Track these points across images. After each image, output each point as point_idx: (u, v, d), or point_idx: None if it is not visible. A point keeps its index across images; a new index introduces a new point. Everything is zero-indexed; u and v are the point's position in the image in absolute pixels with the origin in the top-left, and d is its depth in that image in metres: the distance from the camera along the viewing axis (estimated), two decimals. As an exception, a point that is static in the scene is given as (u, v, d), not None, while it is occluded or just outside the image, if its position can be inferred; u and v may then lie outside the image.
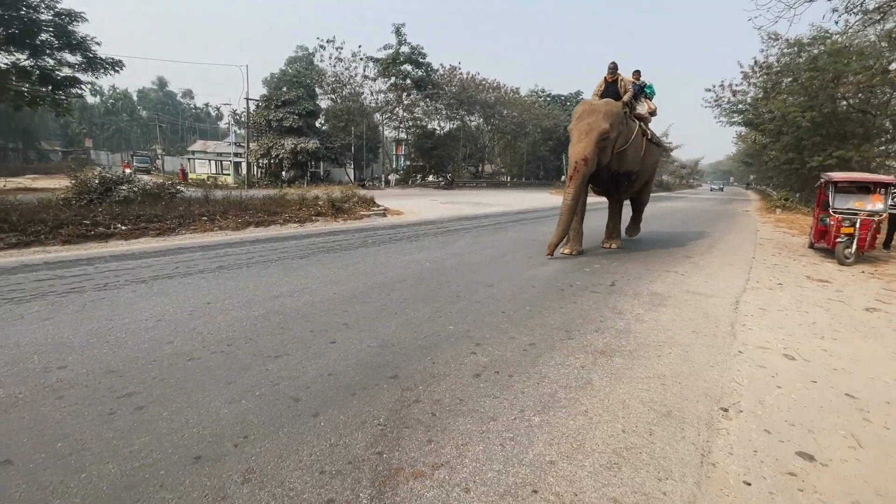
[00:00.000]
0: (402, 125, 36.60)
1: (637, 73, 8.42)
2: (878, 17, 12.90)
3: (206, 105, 72.58)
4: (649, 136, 8.52)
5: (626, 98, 7.68)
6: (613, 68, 7.89)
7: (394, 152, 45.59)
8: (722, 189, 28.83)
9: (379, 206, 13.59)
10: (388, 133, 40.59)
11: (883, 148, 21.70)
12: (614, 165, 7.51)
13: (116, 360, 2.88)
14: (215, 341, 3.23)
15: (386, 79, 33.41)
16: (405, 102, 34.41)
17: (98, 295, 4.29)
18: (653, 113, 8.72)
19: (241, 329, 3.48)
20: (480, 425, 2.27)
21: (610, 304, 4.58)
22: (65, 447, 2.00)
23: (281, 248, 7.09)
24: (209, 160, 40.96)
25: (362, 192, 17.09)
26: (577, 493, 1.82)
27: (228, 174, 37.18)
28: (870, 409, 2.63)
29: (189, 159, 42.15)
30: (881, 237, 9.14)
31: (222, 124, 67.07)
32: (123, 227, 7.76)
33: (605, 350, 3.33)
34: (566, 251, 7.34)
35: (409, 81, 33.07)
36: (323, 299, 4.33)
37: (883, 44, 16.23)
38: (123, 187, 9.74)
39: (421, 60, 33.51)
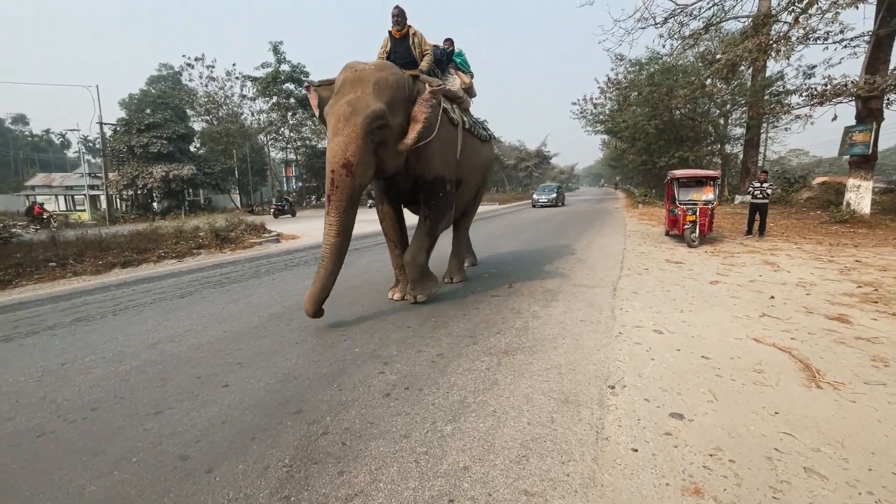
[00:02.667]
0: (289, 146, 35.01)
1: (449, 41, 5.77)
2: (693, 43, 15.72)
3: (47, 132, 62.08)
4: (467, 126, 5.51)
5: (424, 65, 4.97)
6: (399, 16, 5.04)
7: (283, 174, 43.36)
8: (555, 198, 21.59)
9: (271, 231, 12.78)
10: (276, 154, 38.53)
11: (710, 148, 26.33)
12: (415, 169, 4.67)
13: (-70, 455, 2.28)
14: (74, 408, 2.74)
15: (267, 98, 31.78)
16: (291, 122, 33.03)
17: None
18: (470, 91, 5.93)
19: (108, 388, 2.99)
20: (393, 445, 2.23)
21: (509, 304, 4.85)
22: None
23: (156, 289, 6.28)
24: (56, 195, 34.89)
25: (251, 218, 15.97)
26: (490, 493, 1.88)
27: (83, 209, 32.04)
28: (720, 367, 3.13)
29: (28, 196, 35.45)
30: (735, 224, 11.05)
31: (70, 153, 57.99)
32: (-66, 286, 6.23)
33: (508, 349, 3.51)
34: (396, 296, 5.18)
35: (292, 100, 31.84)
36: (211, 340, 3.92)
37: (699, 63, 19.77)
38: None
39: (304, 79, 32.55)
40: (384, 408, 2.61)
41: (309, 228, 15.34)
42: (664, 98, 19.26)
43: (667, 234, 10.88)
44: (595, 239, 10.70)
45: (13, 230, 9.55)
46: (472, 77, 6.00)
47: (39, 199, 34.70)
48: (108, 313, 5.01)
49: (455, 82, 5.56)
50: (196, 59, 30.75)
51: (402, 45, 5.12)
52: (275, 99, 31.67)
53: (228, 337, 3.99)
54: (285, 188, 40.50)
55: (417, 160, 4.62)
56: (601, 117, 26.86)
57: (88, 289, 6.56)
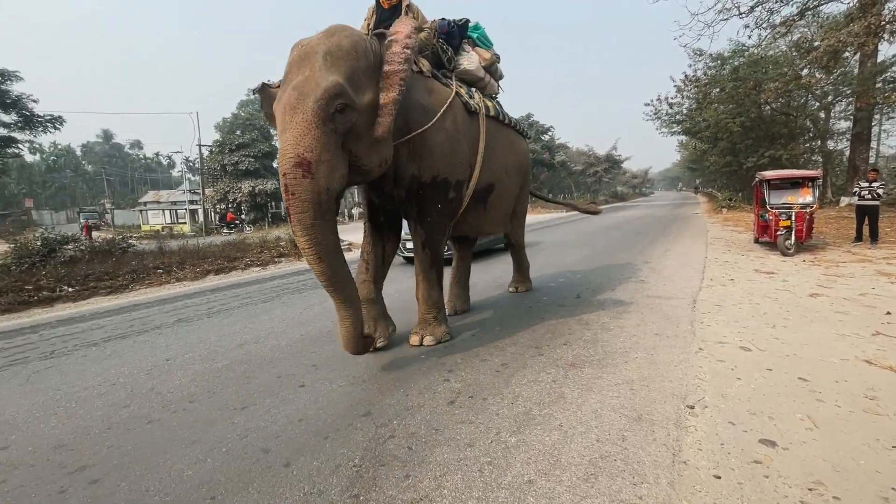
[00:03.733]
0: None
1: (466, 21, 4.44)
2: (785, 31, 14.31)
3: (157, 154, 70.72)
4: (494, 113, 4.40)
5: (403, 28, 3.26)
6: None
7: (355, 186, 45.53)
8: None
9: (343, 240, 13.49)
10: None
11: (808, 145, 23.66)
12: (408, 168, 3.58)
13: (66, 433, 2.68)
14: (176, 399, 3.08)
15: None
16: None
17: (44, 364, 4.01)
18: (494, 71, 4.68)
19: (203, 384, 3.33)
20: (457, 453, 2.25)
21: (577, 315, 4.69)
22: (9, 536, 1.83)
23: (244, 294, 6.89)
24: (163, 210, 39.61)
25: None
26: (556, 509, 1.83)
27: (185, 223, 36.01)
28: (821, 390, 2.78)
29: (142, 211, 40.62)
30: (839, 230, 9.85)
31: (175, 173, 65.47)
32: (70, 289, 7.33)
33: (575, 362, 3.39)
34: (378, 344, 3.83)
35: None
36: (290, 342, 4.22)
37: (793, 52, 17.93)
38: (69, 246, 9.25)
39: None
40: (449, 415, 2.64)
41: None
42: (751, 93, 17.66)
43: (756, 241, 9.91)
44: (672, 246, 10.03)
45: (130, 241, 10.98)
46: (496, 56, 4.68)
47: (150, 213, 39.55)
48: (203, 315, 5.57)
49: (472, 59, 4.35)
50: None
51: (391, 18, 3.83)
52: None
53: (305, 340, 4.26)
54: (356, 199, 42.54)
55: (412, 155, 3.53)
56: (678, 117, 25.22)
57: (188, 293, 7.35)
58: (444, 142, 3.72)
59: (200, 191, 30.17)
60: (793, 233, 8.03)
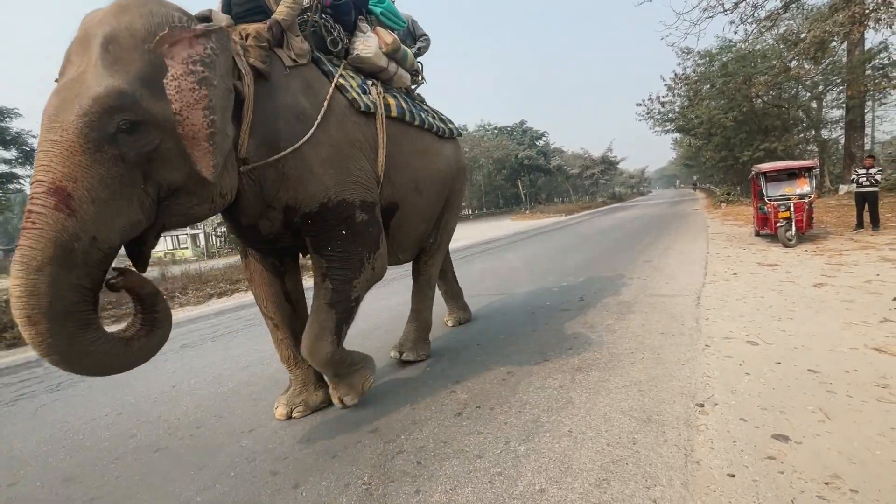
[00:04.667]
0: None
1: None
2: (770, 24, 14.47)
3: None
4: (398, 113, 3.22)
5: (282, 10, 2.59)
6: None
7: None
8: None
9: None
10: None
11: (802, 136, 23.75)
12: (279, 196, 2.49)
13: (74, 466, 2.67)
14: (183, 426, 3.06)
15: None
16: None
17: (51, 397, 4.00)
18: (401, 58, 3.42)
19: (210, 408, 3.32)
20: (467, 465, 2.22)
21: (581, 318, 4.67)
22: (19, 575, 1.81)
23: (246, 317, 6.88)
24: (164, 236, 39.81)
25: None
26: (570, 517, 1.80)
27: (186, 248, 36.16)
28: (832, 381, 2.76)
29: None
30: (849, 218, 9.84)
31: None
32: (75, 320, 7.33)
33: (581, 366, 3.37)
34: (280, 412, 3.01)
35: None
36: (295, 362, 4.20)
37: (780, 45, 18.09)
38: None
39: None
40: (457, 427, 2.62)
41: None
42: (741, 87, 17.79)
43: (757, 234, 9.90)
44: (673, 244, 10.01)
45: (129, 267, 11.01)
46: (412, 38, 3.85)
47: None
48: (207, 340, 5.57)
49: (369, 44, 3.14)
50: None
51: None
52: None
53: (310, 359, 4.24)
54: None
55: (282, 179, 2.46)
56: (670, 115, 25.40)
57: (192, 318, 7.36)
58: (329, 159, 2.58)
59: (201, 215, 30.38)
60: (793, 223, 8.02)
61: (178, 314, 7.91)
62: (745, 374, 2.98)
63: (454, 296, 5.04)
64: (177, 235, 39.40)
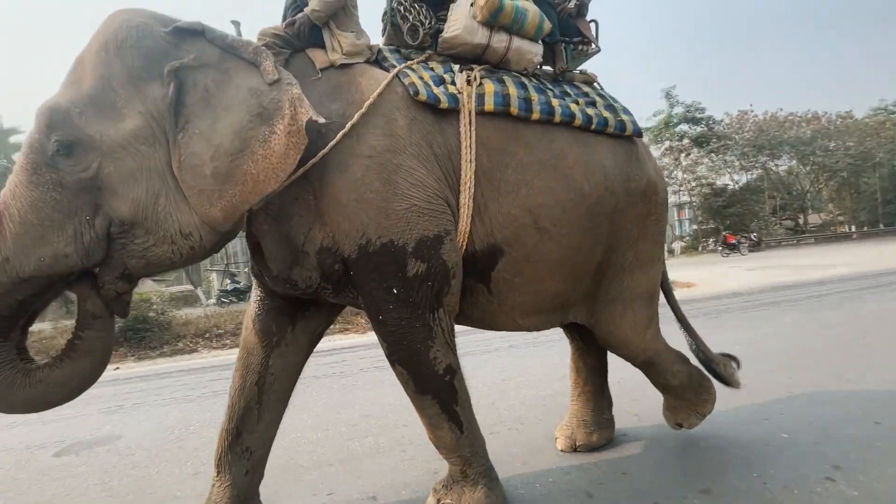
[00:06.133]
0: (682, 188, 33.30)
1: None
2: None
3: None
4: (505, 105, 2.06)
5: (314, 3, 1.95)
6: None
7: (676, 217, 41.48)
8: None
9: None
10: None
11: None
12: (314, 236, 1.86)
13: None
14: (510, 418, 3.48)
15: (659, 144, 31.81)
16: (684, 164, 31.53)
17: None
18: (508, 24, 2.16)
19: (532, 408, 3.67)
20: None
21: None
22: None
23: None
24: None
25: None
26: None
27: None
28: None
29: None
30: None
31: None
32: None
33: None
34: None
35: (686, 141, 30.45)
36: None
37: None
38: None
39: (699, 116, 30.59)
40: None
41: (706, 276, 13.74)
42: None
43: None
44: None
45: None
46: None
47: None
48: (529, 344, 6.21)
49: (454, 20, 2.16)
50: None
51: None
52: (667, 144, 31.29)
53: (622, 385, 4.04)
54: (677, 233, 38.50)
55: (311, 213, 1.88)
56: None
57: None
58: (363, 180, 1.85)
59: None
60: None
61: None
62: None
63: (588, 393, 2.88)
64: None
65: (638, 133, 2.49)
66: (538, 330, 2.52)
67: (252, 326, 2.17)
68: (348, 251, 1.85)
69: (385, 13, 2.24)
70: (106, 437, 3.75)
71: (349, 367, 5.12)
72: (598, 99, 2.44)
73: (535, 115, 2.13)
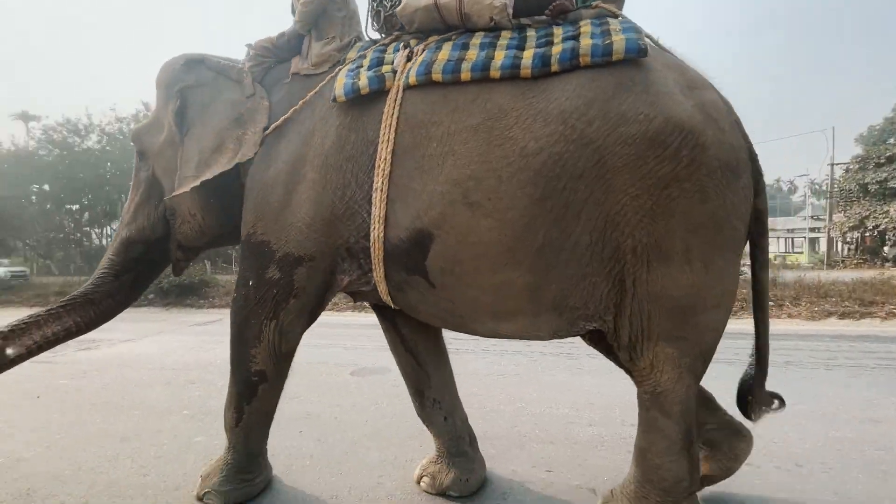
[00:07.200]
0: None
1: None
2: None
3: (778, 181, 67.98)
4: (416, 76, 1.74)
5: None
6: None
7: None
8: None
9: None
10: None
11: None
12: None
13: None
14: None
15: None
16: None
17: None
18: None
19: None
20: None
21: None
22: None
23: (883, 352, 5.23)
24: (777, 238, 37.68)
25: None
26: None
27: (801, 252, 32.59)
28: None
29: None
30: None
31: (795, 198, 60.71)
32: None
33: None
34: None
35: None
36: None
37: None
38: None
39: None
40: None
41: None
42: None
43: None
44: None
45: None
46: None
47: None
48: (820, 365, 4.72)
49: None
50: None
51: None
52: None
53: None
54: None
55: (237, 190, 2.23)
56: None
57: (800, 333, 6.50)
58: (272, 183, 2.03)
59: (826, 216, 26.09)
60: None
61: (781, 324, 7.20)
62: None
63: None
64: (792, 238, 36.28)
65: (636, 52, 1.61)
66: (531, 339, 1.97)
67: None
68: (243, 234, 2.14)
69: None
70: (381, 368, 4.77)
71: (576, 350, 4.99)
72: (586, 30, 1.74)
73: (465, 76, 1.76)
